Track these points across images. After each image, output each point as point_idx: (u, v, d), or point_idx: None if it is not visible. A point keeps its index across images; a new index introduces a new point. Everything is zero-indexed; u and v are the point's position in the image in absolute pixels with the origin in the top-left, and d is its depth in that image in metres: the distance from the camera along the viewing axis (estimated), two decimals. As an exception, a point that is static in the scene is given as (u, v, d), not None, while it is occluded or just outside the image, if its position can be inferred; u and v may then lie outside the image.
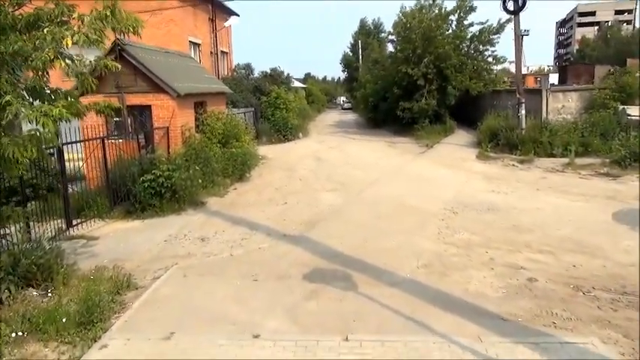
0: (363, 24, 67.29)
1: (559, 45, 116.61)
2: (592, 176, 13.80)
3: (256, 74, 32.34)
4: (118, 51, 12.56)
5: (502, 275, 6.68)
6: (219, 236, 8.98)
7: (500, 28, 25.45)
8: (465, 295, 6.08)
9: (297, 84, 49.15)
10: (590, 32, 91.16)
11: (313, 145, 23.65)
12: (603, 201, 10.75)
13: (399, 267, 7.06)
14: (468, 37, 26.36)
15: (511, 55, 27.34)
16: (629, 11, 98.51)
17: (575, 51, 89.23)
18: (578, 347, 4.79)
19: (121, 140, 12.47)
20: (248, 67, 32.33)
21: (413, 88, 25.31)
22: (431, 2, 26.18)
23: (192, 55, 23.08)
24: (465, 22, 26.38)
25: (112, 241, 9.05)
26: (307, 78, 79.73)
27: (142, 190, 10.90)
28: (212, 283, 6.70)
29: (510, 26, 25.36)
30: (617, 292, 6.01)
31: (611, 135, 16.57)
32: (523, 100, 18.27)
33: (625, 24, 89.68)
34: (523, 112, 18.31)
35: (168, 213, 10.87)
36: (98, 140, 10.77)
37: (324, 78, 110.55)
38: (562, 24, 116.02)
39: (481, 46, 26.49)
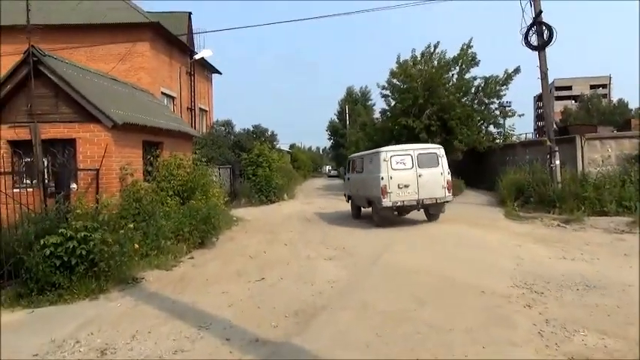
0: (350, 91, 66.52)
1: (538, 118, 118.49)
2: (679, 237, 10.23)
3: (237, 131, 29.19)
4: (33, 63, 9.01)
5: None
6: (138, 343, 4.89)
7: (508, 78, 23.03)
8: None
9: (282, 147, 46.25)
10: (568, 105, 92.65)
11: (301, 207, 19.86)
12: None
13: None
14: (472, 90, 23.87)
15: (519, 110, 25.07)
16: (604, 85, 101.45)
17: (559, 121, 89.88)
18: None
19: (30, 189, 8.64)
20: (228, 124, 29.18)
21: (414, 142, 22.22)
22: (432, 50, 23.83)
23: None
24: (467, 76, 24.04)
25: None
26: (292, 148, 77.52)
27: (40, 260, 6.98)
28: None
29: (517, 78, 23.21)
30: None
31: (676, 189, 13.33)
32: (556, 149, 14.98)
33: (602, 97, 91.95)
34: (557, 162, 14.91)
35: (81, 296, 6.97)
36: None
37: (310, 148, 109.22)
38: (540, 98, 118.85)
39: (486, 99, 23.95)
